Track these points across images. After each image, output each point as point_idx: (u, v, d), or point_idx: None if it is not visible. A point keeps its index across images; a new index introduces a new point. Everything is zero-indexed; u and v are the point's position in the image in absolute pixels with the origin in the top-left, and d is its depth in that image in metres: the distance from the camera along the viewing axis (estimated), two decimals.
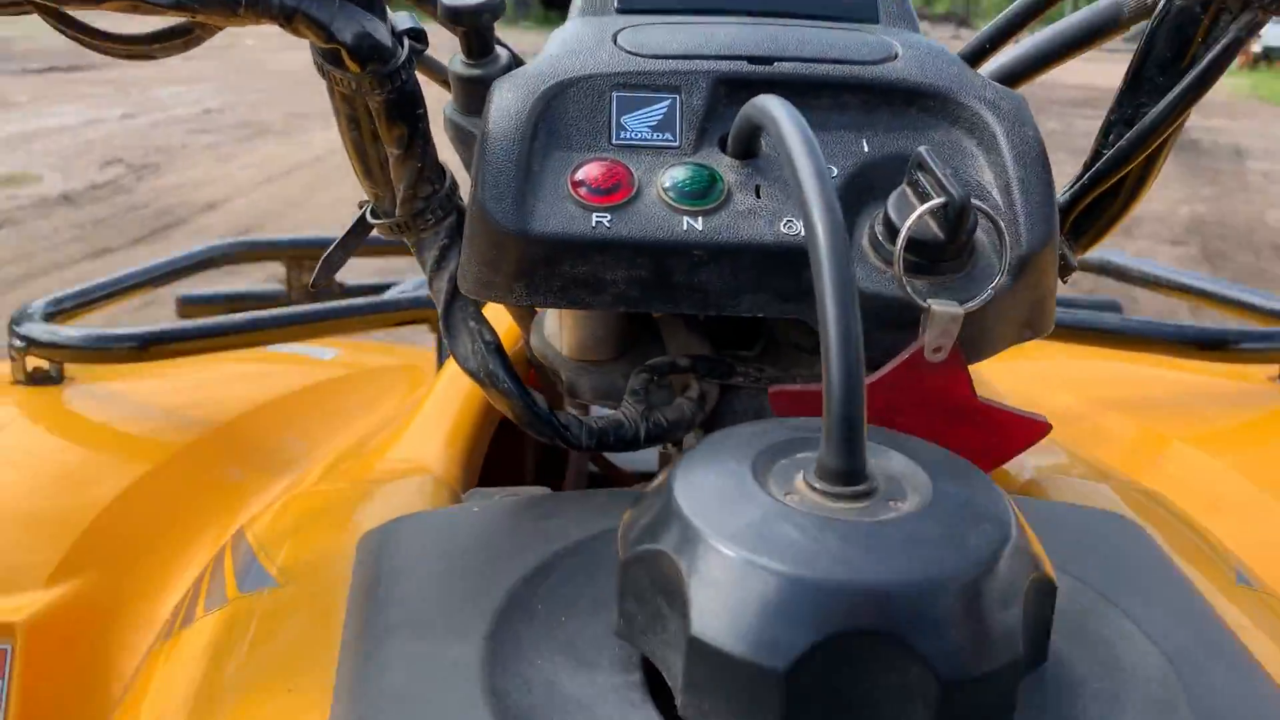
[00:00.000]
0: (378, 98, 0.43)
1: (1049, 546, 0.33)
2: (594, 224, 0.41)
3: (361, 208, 0.49)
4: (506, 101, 0.42)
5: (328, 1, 0.41)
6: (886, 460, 0.34)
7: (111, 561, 0.76)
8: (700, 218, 0.41)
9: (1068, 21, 0.53)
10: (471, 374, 0.47)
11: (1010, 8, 0.56)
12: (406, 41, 0.44)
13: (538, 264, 0.42)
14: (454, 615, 0.37)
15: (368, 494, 0.62)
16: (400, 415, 0.83)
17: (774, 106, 0.36)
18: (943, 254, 0.41)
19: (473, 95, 0.47)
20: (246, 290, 1.42)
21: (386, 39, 0.43)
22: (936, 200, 0.39)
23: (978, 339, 0.43)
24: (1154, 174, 0.51)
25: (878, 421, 0.37)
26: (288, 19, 0.40)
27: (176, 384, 1.00)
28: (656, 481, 0.34)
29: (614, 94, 0.43)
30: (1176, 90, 0.46)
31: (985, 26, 0.57)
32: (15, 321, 0.95)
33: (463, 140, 0.48)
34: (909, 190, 0.41)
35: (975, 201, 0.40)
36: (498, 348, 0.47)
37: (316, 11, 0.41)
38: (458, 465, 0.66)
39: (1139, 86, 0.49)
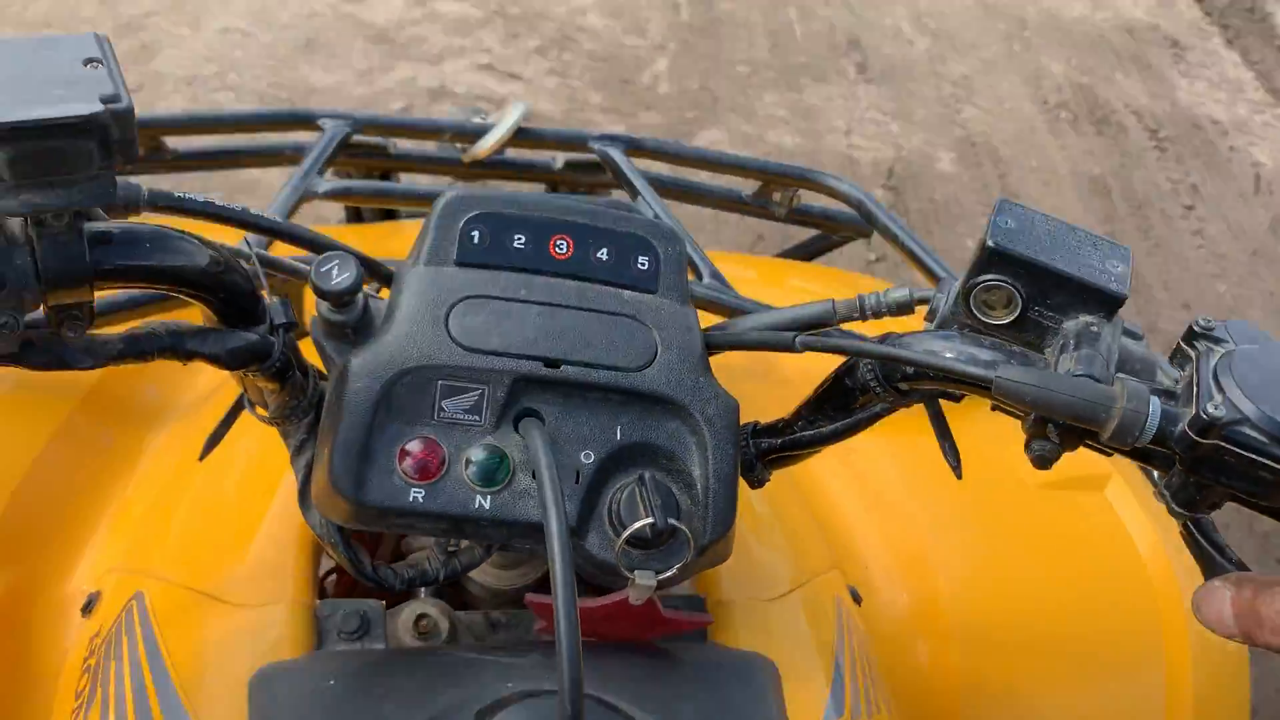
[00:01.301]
0: (263, 378, 0.59)
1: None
2: (411, 499, 0.57)
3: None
4: (358, 389, 0.57)
5: (213, 337, 0.57)
6: None
7: (21, 546, 0.80)
8: (489, 497, 0.58)
9: (785, 312, 0.68)
10: (318, 535, 0.63)
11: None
12: (282, 335, 0.59)
13: (369, 516, 0.58)
14: None
15: (242, 621, 0.69)
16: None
17: (537, 443, 0.55)
18: (648, 544, 0.58)
19: (337, 330, 0.60)
20: None
21: (266, 345, 0.58)
22: (646, 520, 0.57)
23: (674, 579, 0.60)
24: (829, 445, 0.67)
25: (590, 630, 0.61)
26: (187, 359, 0.56)
27: None
28: None
29: (439, 382, 0.58)
30: (831, 428, 0.65)
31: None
32: None
33: (323, 356, 0.62)
34: (638, 491, 0.58)
35: (672, 522, 0.58)
36: (340, 526, 0.62)
37: (208, 349, 0.56)
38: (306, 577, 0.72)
39: (819, 406, 0.66)
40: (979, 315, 0.58)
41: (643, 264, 0.64)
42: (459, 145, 1.27)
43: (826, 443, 0.66)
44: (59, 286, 0.49)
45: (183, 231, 0.56)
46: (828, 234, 1.38)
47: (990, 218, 0.58)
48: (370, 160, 1.29)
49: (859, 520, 0.95)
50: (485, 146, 1.24)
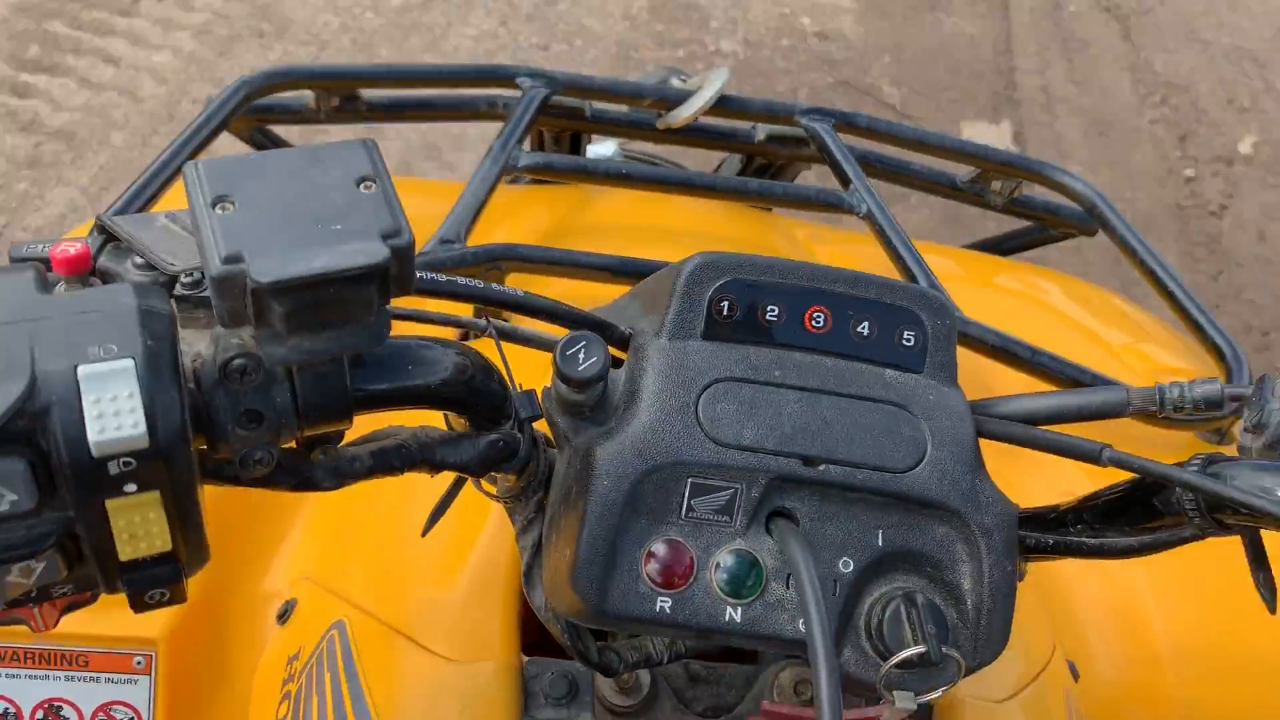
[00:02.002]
0: (514, 480, 0.56)
1: None
2: (658, 609, 0.52)
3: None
4: (606, 488, 0.52)
5: (464, 444, 0.52)
6: None
7: (219, 540, 0.82)
8: (740, 609, 0.52)
9: (1071, 396, 0.61)
10: (540, 617, 0.59)
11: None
12: (529, 430, 0.55)
13: (609, 621, 0.53)
14: None
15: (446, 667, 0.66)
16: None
17: (797, 556, 0.50)
18: (911, 664, 0.52)
19: (573, 408, 0.55)
20: None
21: (513, 444, 0.54)
22: (917, 649, 0.51)
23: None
24: (1113, 559, 0.60)
25: None
26: (437, 470, 0.53)
27: None
28: None
29: (689, 480, 0.53)
30: (1123, 544, 0.58)
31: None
32: None
33: (554, 429, 0.57)
34: (905, 611, 0.52)
35: (946, 650, 0.51)
36: None
37: (459, 458, 0.53)
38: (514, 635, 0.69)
39: (1109, 516, 0.59)
40: None
41: (908, 340, 0.57)
42: (657, 111, 1.20)
43: (1112, 557, 0.59)
44: (319, 421, 0.46)
45: (425, 339, 0.51)
46: (1046, 228, 1.27)
47: None
48: (564, 121, 1.23)
49: (1076, 577, 0.88)
50: (685, 115, 1.17)
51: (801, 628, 0.52)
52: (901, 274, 0.99)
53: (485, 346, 0.58)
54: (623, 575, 0.52)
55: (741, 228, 1.24)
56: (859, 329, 0.57)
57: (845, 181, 1.09)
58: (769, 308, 0.57)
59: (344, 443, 0.50)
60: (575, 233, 1.15)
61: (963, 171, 1.24)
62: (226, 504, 0.81)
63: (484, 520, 0.72)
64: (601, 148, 1.52)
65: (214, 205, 0.41)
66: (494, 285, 0.58)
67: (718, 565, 0.53)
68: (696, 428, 0.53)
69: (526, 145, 1.45)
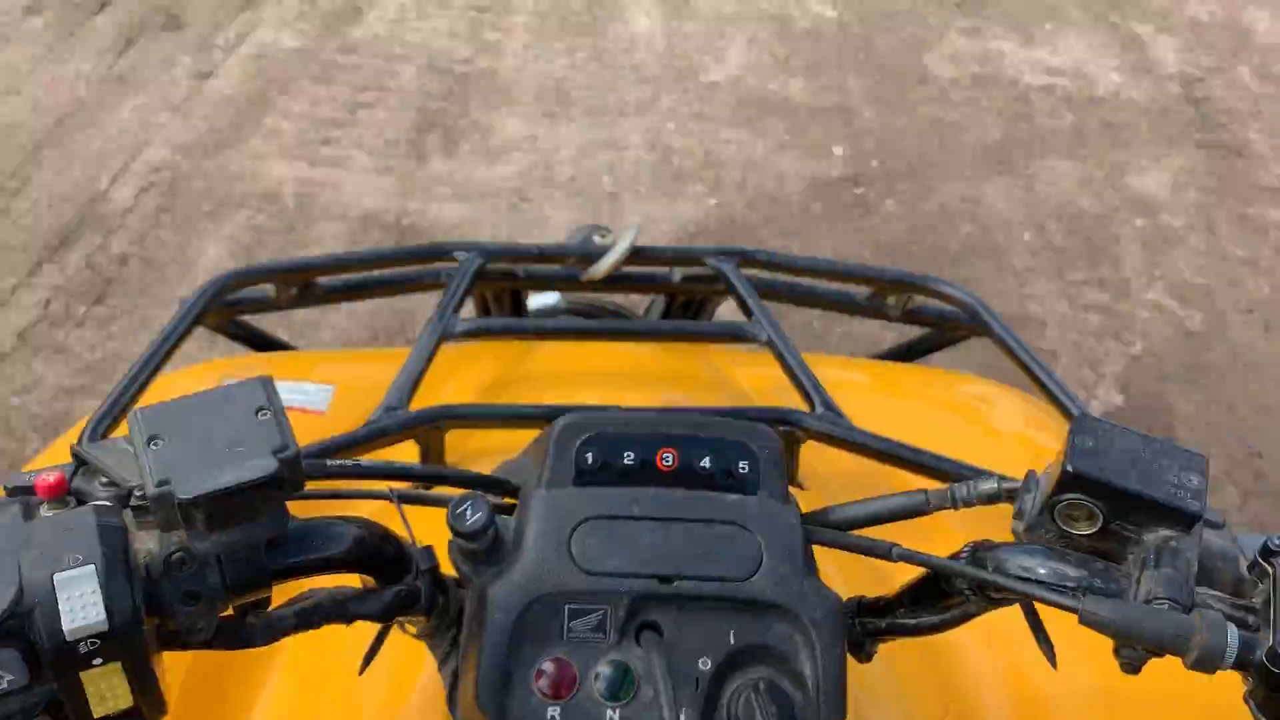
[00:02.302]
0: (412, 617, 0.67)
1: None
2: (549, 717, 0.62)
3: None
4: (497, 619, 0.63)
5: (370, 598, 0.64)
6: None
7: None
8: (618, 710, 0.63)
9: (882, 503, 0.72)
10: None
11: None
12: (428, 579, 0.66)
13: None
14: None
15: None
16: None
17: (653, 661, 0.61)
18: None
19: (472, 555, 0.67)
20: None
21: (414, 594, 0.65)
22: None
23: None
24: (931, 634, 0.70)
25: None
26: (350, 621, 0.65)
27: None
28: None
29: (566, 606, 0.64)
30: (931, 621, 0.69)
31: None
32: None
33: (459, 573, 0.68)
34: (754, 699, 0.62)
35: None
36: None
37: (367, 609, 0.64)
38: None
39: (917, 599, 0.70)
40: (1062, 526, 0.61)
41: (743, 468, 0.69)
42: (581, 266, 1.35)
43: (928, 633, 0.70)
44: (245, 593, 0.58)
45: (332, 519, 0.64)
46: (944, 333, 1.41)
47: (1070, 437, 0.61)
48: (501, 282, 1.38)
49: (976, 653, 0.97)
50: (603, 269, 1.31)
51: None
52: (798, 391, 1.12)
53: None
54: (518, 692, 0.63)
55: (669, 363, 1.38)
56: (701, 464, 0.69)
57: (749, 313, 1.23)
58: (626, 454, 0.69)
59: (275, 605, 0.62)
60: (518, 382, 1.28)
61: (862, 291, 1.38)
62: (208, 663, 0.91)
63: (423, 660, 0.83)
64: (545, 298, 1.67)
65: (148, 443, 0.56)
66: (396, 463, 0.72)
67: (597, 675, 0.63)
68: (570, 561, 0.65)
69: (472, 308, 1.60)
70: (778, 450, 0.71)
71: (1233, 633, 0.55)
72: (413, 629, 0.70)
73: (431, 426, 1.07)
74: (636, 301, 1.89)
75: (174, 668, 0.81)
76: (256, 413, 0.57)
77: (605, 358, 1.36)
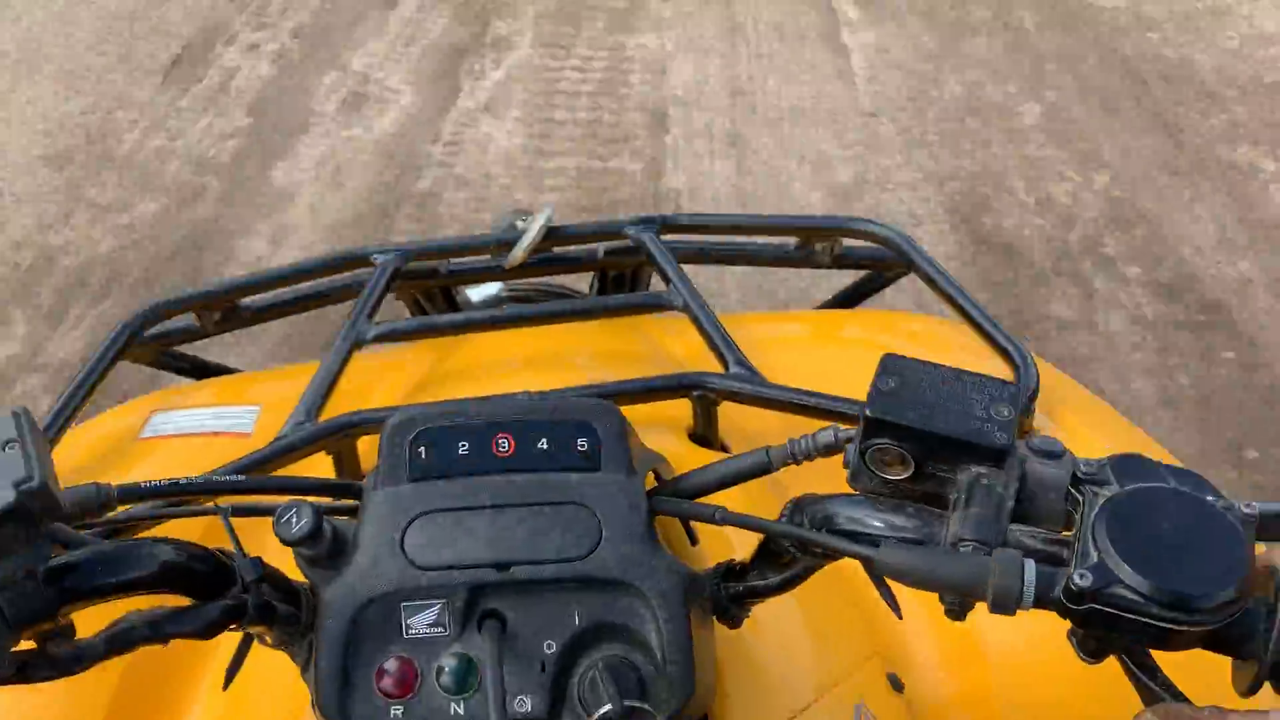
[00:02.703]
0: (247, 628, 0.65)
1: None
2: (391, 716, 0.62)
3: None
4: (330, 624, 0.63)
5: (188, 616, 0.63)
6: None
7: None
8: (463, 702, 0.62)
9: (727, 465, 0.70)
10: None
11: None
12: (255, 589, 0.64)
13: None
14: None
15: None
16: None
17: (489, 660, 0.60)
18: None
19: (313, 560, 0.66)
20: None
21: (239, 607, 0.63)
22: (605, 708, 0.60)
23: None
24: (782, 593, 0.68)
25: None
26: (167, 641, 0.62)
27: None
28: None
29: (403, 605, 0.63)
30: (778, 579, 0.66)
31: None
32: None
33: (307, 578, 0.67)
34: (598, 675, 0.61)
35: (630, 704, 0.60)
36: None
37: (186, 628, 0.62)
38: None
39: (763, 561, 0.67)
40: (878, 472, 0.59)
41: (583, 445, 0.68)
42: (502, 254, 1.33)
43: (777, 592, 0.68)
44: (29, 626, 0.57)
45: (143, 540, 0.63)
46: (879, 274, 1.38)
47: (874, 379, 0.58)
48: (425, 282, 1.37)
49: (905, 597, 0.95)
50: (519, 255, 1.30)
51: (517, 707, 0.62)
52: (714, 354, 1.10)
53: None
54: (359, 693, 0.62)
55: (601, 341, 1.36)
56: (539, 446, 0.67)
57: (667, 280, 1.21)
58: (459, 445, 0.67)
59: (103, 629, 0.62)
60: (441, 380, 1.27)
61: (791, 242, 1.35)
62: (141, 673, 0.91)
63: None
64: (487, 288, 1.65)
65: None
66: (215, 478, 0.70)
67: (440, 670, 0.62)
68: (403, 559, 0.64)
69: (407, 312, 1.59)
70: (620, 423, 0.69)
71: (1031, 571, 0.52)
72: (269, 640, 0.70)
73: (342, 436, 1.06)
74: (585, 280, 1.86)
75: (103, 680, 0.82)
76: (4, 447, 0.56)
77: (539, 341, 1.35)
